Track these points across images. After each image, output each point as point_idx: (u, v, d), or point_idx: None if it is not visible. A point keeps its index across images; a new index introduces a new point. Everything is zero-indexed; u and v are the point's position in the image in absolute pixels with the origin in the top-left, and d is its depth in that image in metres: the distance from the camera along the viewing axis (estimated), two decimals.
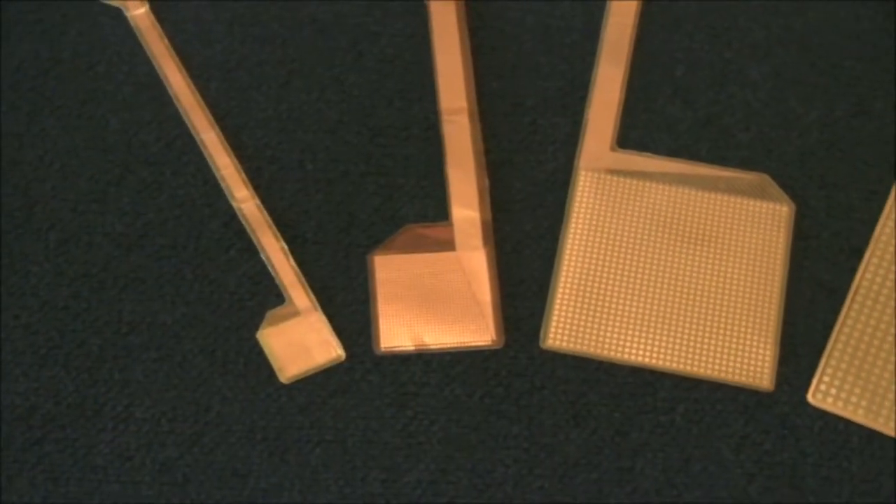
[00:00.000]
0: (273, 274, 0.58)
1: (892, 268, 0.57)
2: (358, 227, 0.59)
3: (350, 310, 0.58)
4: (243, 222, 0.58)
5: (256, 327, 0.57)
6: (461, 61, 0.60)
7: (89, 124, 0.60)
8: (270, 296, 0.58)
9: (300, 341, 0.57)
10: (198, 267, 0.58)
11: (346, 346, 0.57)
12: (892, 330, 0.56)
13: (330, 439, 0.56)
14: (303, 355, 0.57)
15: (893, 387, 0.55)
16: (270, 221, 0.58)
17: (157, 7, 0.62)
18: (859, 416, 0.55)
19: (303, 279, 0.58)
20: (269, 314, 0.57)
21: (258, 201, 0.59)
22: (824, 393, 0.56)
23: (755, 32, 0.61)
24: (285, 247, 0.58)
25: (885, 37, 0.61)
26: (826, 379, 0.56)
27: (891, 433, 0.55)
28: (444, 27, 0.61)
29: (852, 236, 0.58)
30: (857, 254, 0.58)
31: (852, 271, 0.57)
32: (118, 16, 0.62)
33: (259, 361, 0.57)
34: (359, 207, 0.59)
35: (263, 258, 0.58)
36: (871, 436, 0.55)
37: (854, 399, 0.55)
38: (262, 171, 0.59)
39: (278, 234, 0.58)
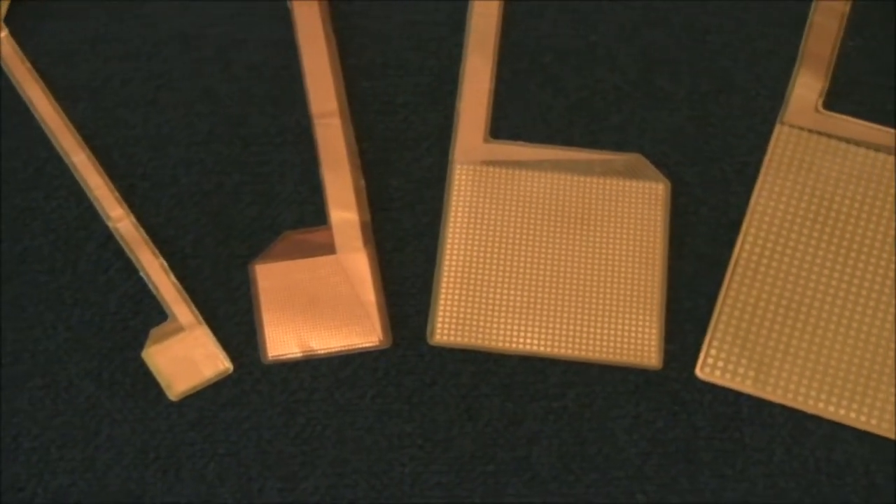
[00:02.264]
0: (154, 291, 0.57)
1: (770, 237, 0.57)
2: (237, 237, 0.58)
3: (235, 321, 0.57)
4: (120, 242, 0.58)
5: (141, 346, 0.56)
6: (329, 63, 0.60)
7: None
8: (153, 313, 0.57)
9: (186, 357, 0.56)
10: (77, 290, 0.57)
11: (233, 358, 0.57)
12: (774, 299, 0.56)
13: (223, 453, 0.56)
14: (190, 371, 0.56)
15: (779, 355, 0.56)
16: (148, 239, 0.58)
17: (18, 31, 0.61)
18: (748, 387, 0.56)
19: (185, 294, 0.57)
20: (153, 332, 0.57)
21: (134, 219, 0.58)
22: (712, 366, 0.56)
23: (619, 14, 0.62)
24: (164, 263, 0.57)
25: (745, 10, 0.61)
26: (713, 352, 0.56)
27: (779, 401, 0.55)
28: (308, 30, 0.60)
29: (729, 209, 0.58)
30: (735, 226, 0.58)
31: (731, 243, 0.58)
32: None
33: (146, 380, 0.56)
34: (236, 218, 0.58)
35: (143, 276, 0.57)
36: (760, 405, 0.56)
37: (741, 370, 0.56)
38: (136, 189, 0.59)
39: (156, 251, 0.57)
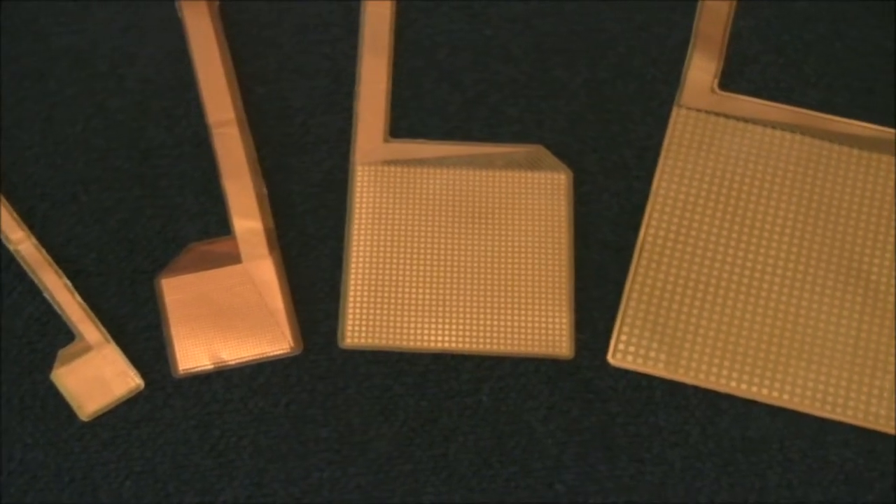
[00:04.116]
0: (60, 312, 0.56)
1: (674, 220, 0.58)
2: (140, 252, 0.58)
3: (143, 336, 0.57)
4: (22, 264, 0.57)
5: (50, 368, 0.56)
6: (223, 72, 0.59)
7: None
8: (60, 334, 0.57)
9: (96, 376, 0.56)
10: None
11: (143, 374, 0.56)
12: (682, 281, 0.57)
13: (139, 470, 0.55)
14: (101, 390, 0.56)
15: (690, 336, 0.56)
16: (50, 259, 0.57)
17: None
18: (660, 370, 0.56)
19: (91, 313, 0.56)
20: (61, 353, 0.56)
21: (35, 240, 0.57)
22: (623, 352, 0.56)
23: (512, 6, 0.62)
24: (69, 283, 0.57)
25: None
26: (623, 338, 0.56)
27: (692, 382, 0.56)
28: (201, 40, 0.60)
29: (631, 194, 0.59)
30: (638, 211, 0.58)
31: (635, 229, 0.58)
32: None
33: (57, 402, 0.56)
34: (139, 232, 0.58)
35: (48, 297, 0.57)
36: (674, 388, 0.56)
37: (653, 354, 0.56)
38: (35, 209, 0.58)
39: (60, 271, 0.57)
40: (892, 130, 0.59)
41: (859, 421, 0.55)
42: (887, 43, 0.61)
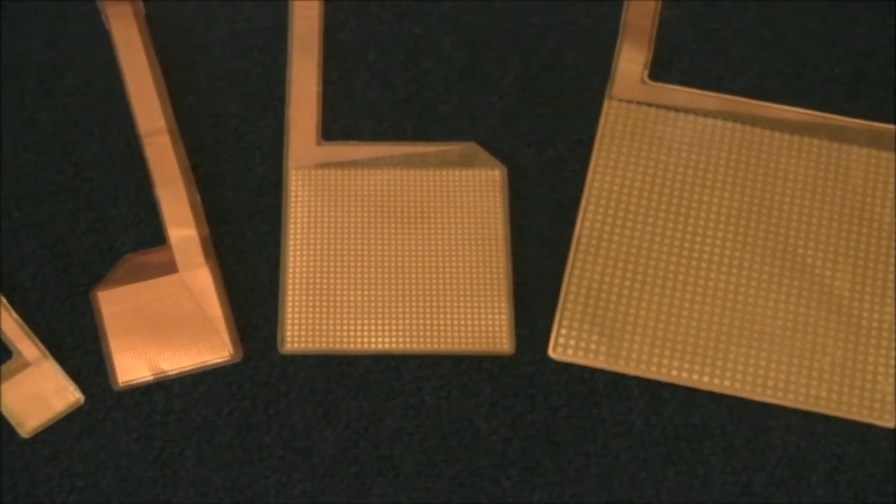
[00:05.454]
0: None
1: (609, 212, 0.58)
2: (76, 265, 0.57)
3: (82, 350, 0.56)
4: None
5: None
6: (152, 82, 0.59)
7: None
8: None
9: (35, 392, 0.55)
10: None
11: (83, 388, 0.56)
12: (619, 273, 0.57)
13: (83, 485, 0.55)
14: (41, 406, 0.55)
15: (630, 327, 0.56)
16: None
17: None
18: (601, 362, 0.56)
19: (27, 329, 0.56)
20: None
21: None
22: (564, 346, 0.56)
23: (441, 5, 0.62)
24: (4, 299, 0.56)
25: None
26: (563, 332, 0.56)
27: (633, 372, 0.56)
28: (129, 50, 0.60)
29: (566, 188, 0.59)
30: (574, 204, 0.58)
31: (572, 222, 0.58)
32: None
33: None
34: (74, 246, 0.58)
35: None
36: (615, 379, 0.56)
37: (593, 346, 0.56)
38: None
39: None
40: (821, 114, 0.59)
41: (800, 404, 0.55)
42: (815, 27, 0.61)
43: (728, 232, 0.57)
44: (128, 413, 0.56)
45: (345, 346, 0.56)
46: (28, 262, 0.57)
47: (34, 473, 0.55)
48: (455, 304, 0.57)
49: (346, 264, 0.57)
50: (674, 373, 0.56)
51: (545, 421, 0.56)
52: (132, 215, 0.58)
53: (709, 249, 0.57)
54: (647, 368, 0.56)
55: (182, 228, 0.57)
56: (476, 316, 0.56)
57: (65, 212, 0.58)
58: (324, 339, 0.56)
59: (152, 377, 0.56)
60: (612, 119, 0.59)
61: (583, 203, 0.58)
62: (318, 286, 0.57)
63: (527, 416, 0.56)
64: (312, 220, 0.58)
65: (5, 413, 0.55)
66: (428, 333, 0.56)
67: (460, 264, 0.57)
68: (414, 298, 0.57)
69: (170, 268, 0.57)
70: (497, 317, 0.56)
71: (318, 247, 0.57)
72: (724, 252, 0.57)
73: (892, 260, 0.57)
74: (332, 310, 0.56)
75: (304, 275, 0.57)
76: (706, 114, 0.59)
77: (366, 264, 0.57)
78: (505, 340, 0.56)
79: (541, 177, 0.59)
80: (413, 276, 0.57)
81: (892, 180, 0.58)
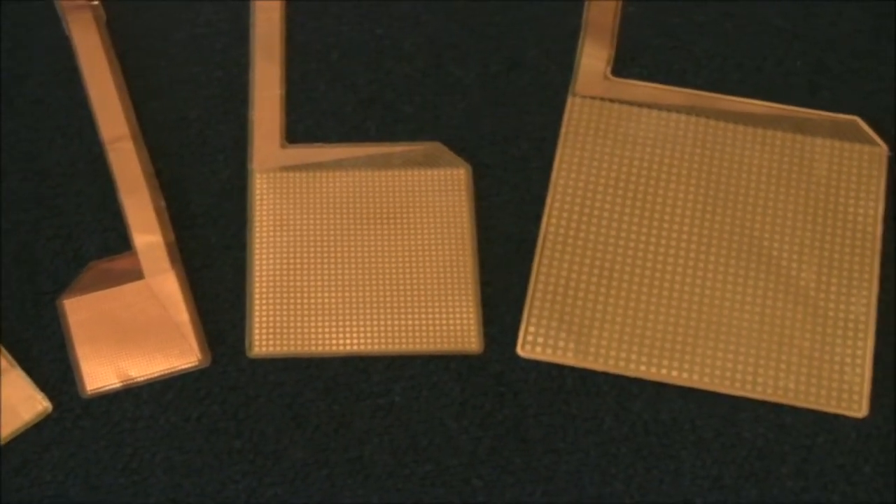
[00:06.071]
0: None
1: (575, 209, 0.58)
2: (42, 273, 0.57)
3: (49, 358, 0.56)
4: None
5: None
6: (114, 88, 0.59)
7: None
8: None
9: (3, 402, 0.55)
10: None
11: (51, 397, 0.56)
12: (586, 269, 0.57)
13: (52, 494, 0.55)
14: (8, 415, 0.55)
15: (597, 324, 0.56)
16: None
17: None
18: (570, 359, 0.56)
19: None
20: None
21: None
22: (532, 343, 0.56)
23: (403, 4, 0.61)
24: None
25: None
26: (531, 329, 0.56)
27: (602, 369, 0.56)
28: (90, 57, 0.59)
29: (531, 186, 0.59)
30: (539, 202, 0.58)
31: (537, 220, 0.58)
32: None
33: None
34: (39, 253, 0.58)
35: None
36: (584, 376, 0.56)
37: (562, 343, 0.56)
38: None
39: None
40: (784, 106, 0.59)
41: (769, 396, 0.55)
42: (775, 20, 0.61)
43: (694, 226, 0.57)
44: (96, 420, 0.56)
45: (313, 348, 0.56)
46: None
47: (3, 483, 0.55)
48: (422, 303, 0.57)
49: (312, 267, 0.57)
50: (642, 368, 0.56)
51: (515, 419, 0.56)
52: (97, 222, 0.58)
53: (675, 244, 0.57)
54: (615, 364, 0.56)
55: (147, 234, 0.57)
56: (444, 315, 0.56)
57: (29, 220, 0.58)
58: (292, 342, 0.56)
59: (120, 384, 0.56)
60: (576, 116, 0.59)
61: (548, 200, 0.58)
62: (284, 289, 0.57)
63: (496, 414, 0.56)
64: (278, 223, 0.57)
65: None
66: (396, 334, 0.56)
67: (427, 264, 0.57)
68: (381, 299, 0.57)
69: (135, 274, 0.57)
70: (465, 316, 0.56)
71: (285, 250, 0.57)
72: (690, 246, 0.57)
73: (857, 250, 0.57)
74: (299, 313, 0.56)
75: (271, 278, 0.57)
76: (670, 109, 0.59)
77: (332, 266, 0.57)
78: (473, 339, 0.56)
79: (505, 175, 0.59)
80: (380, 276, 0.57)
81: (855, 171, 0.58)
